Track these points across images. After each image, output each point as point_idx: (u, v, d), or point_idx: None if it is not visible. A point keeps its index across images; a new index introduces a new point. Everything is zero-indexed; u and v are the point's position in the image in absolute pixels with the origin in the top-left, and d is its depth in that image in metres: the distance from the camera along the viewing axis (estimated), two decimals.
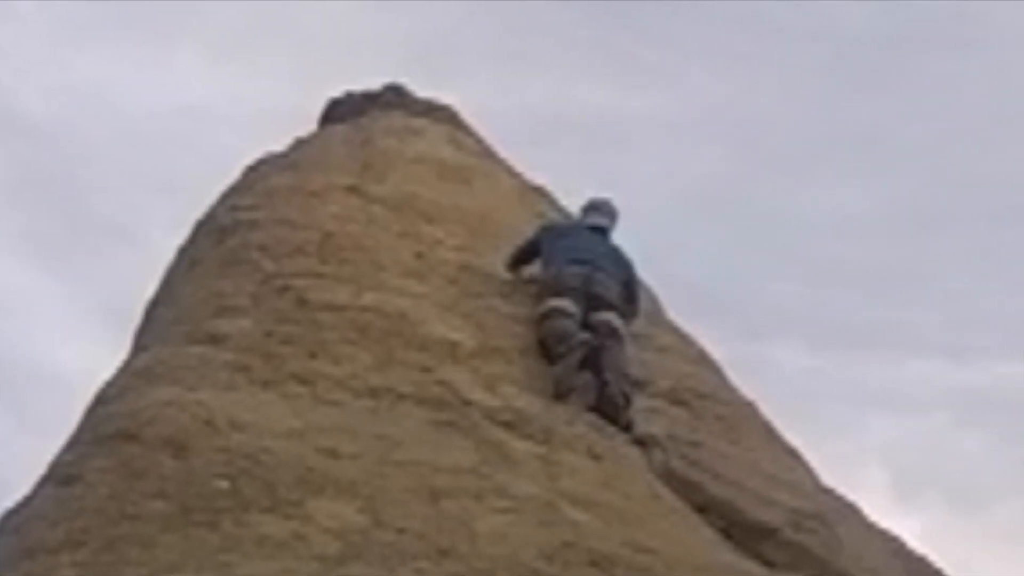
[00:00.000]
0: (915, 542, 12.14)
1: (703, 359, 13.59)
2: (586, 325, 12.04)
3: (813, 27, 52.05)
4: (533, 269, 13.01)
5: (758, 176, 52.16)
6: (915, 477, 45.13)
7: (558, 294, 12.29)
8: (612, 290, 12.58)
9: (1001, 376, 45.36)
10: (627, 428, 11.24)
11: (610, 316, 12.25)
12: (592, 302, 12.25)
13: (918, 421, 46.60)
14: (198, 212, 13.54)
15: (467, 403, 10.43)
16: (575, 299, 12.24)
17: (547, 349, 11.80)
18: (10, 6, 56.69)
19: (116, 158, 57.23)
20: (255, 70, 58.27)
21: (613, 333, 12.13)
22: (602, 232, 13.45)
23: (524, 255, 13.11)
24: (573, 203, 15.04)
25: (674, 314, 14.25)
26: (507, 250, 13.39)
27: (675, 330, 13.98)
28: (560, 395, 11.29)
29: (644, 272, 13.43)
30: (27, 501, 8.84)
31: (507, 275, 13.11)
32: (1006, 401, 45.22)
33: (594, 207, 13.82)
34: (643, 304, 13.29)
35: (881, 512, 12.34)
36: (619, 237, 13.62)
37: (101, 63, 58.63)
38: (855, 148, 51.50)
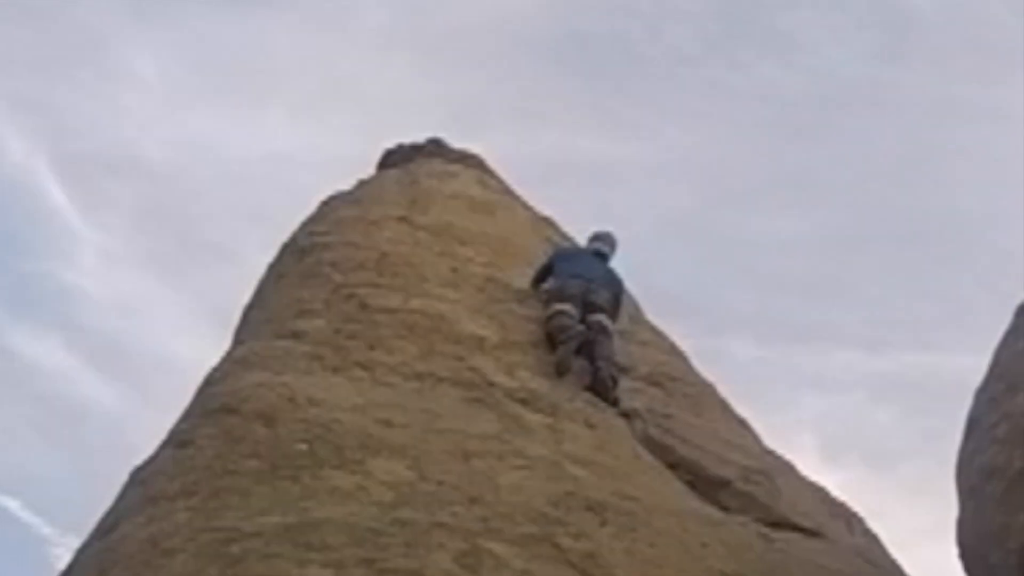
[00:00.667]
0: (837, 492, 12.26)
1: (674, 350, 13.51)
2: (583, 324, 12.05)
3: (758, 91, 52.17)
4: (548, 284, 12.86)
5: (717, 208, 52.48)
6: (838, 442, 45.49)
7: (562, 300, 12.21)
8: (604, 298, 12.55)
9: (906, 363, 45.90)
10: (615, 404, 11.24)
11: (602, 317, 12.27)
12: (588, 307, 12.23)
13: (840, 398, 46.77)
14: (283, 236, 13.58)
15: (491, 384, 10.46)
16: (575, 304, 12.21)
17: (552, 341, 11.77)
18: (136, 74, 56.64)
19: (219, 195, 57.50)
20: (327, 126, 58.07)
21: (604, 330, 12.14)
22: (602, 257, 13.37)
23: (543, 274, 12.98)
24: (573, 230, 15.41)
25: (652, 315, 14.17)
26: (524, 269, 13.24)
27: (652, 328, 13.99)
28: (560, 373, 11.32)
29: (629, 281, 13.31)
30: (151, 460, 8.95)
31: (526, 287, 12.92)
32: (910, 383, 45.59)
33: (598, 237, 13.69)
34: (627, 309, 13.19)
35: (811, 469, 12.39)
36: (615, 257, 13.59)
37: (207, 119, 58.27)
38: (792, 186, 52.03)
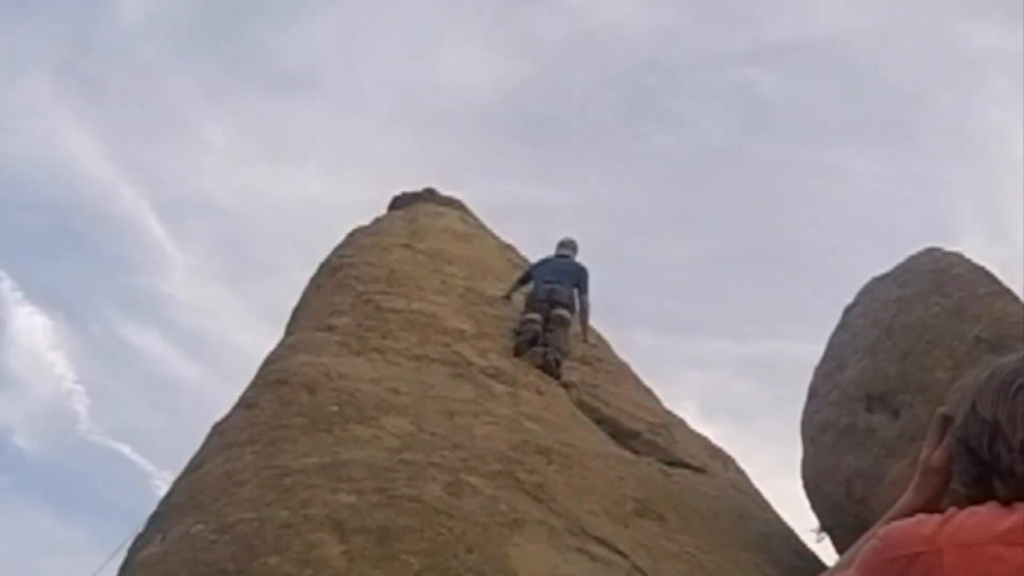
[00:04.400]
0: (715, 440, 12.36)
1: (600, 340, 13.52)
2: (548, 318, 12.05)
3: (655, 154, 53.32)
4: (527, 288, 12.90)
5: (626, 237, 52.92)
6: (712, 405, 46.26)
7: (532, 308, 12.23)
8: (565, 295, 12.47)
9: (761, 349, 46.96)
10: (558, 378, 11.30)
11: (563, 311, 12.27)
12: (553, 304, 12.21)
13: (714, 374, 47.30)
14: (319, 258, 13.61)
15: (469, 364, 10.51)
16: (543, 306, 12.21)
17: (518, 335, 11.81)
18: (209, 141, 56.94)
19: (271, 228, 57.64)
20: (349, 180, 58.26)
21: (561, 322, 12.14)
22: (566, 257, 13.20)
23: (522, 280, 13.04)
24: (527, 252, 15.15)
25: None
26: (493, 282, 13.30)
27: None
28: (516, 355, 11.34)
29: None
30: (226, 418, 8.97)
31: (495, 295, 12.90)
32: (764, 363, 46.55)
33: (563, 244, 13.36)
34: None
35: (695, 424, 12.52)
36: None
37: (261, 174, 58.55)
38: (679, 222, 53.24)
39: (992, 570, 1.61)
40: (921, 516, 1.71)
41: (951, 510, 1.72)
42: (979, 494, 1.77)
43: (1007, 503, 1.69)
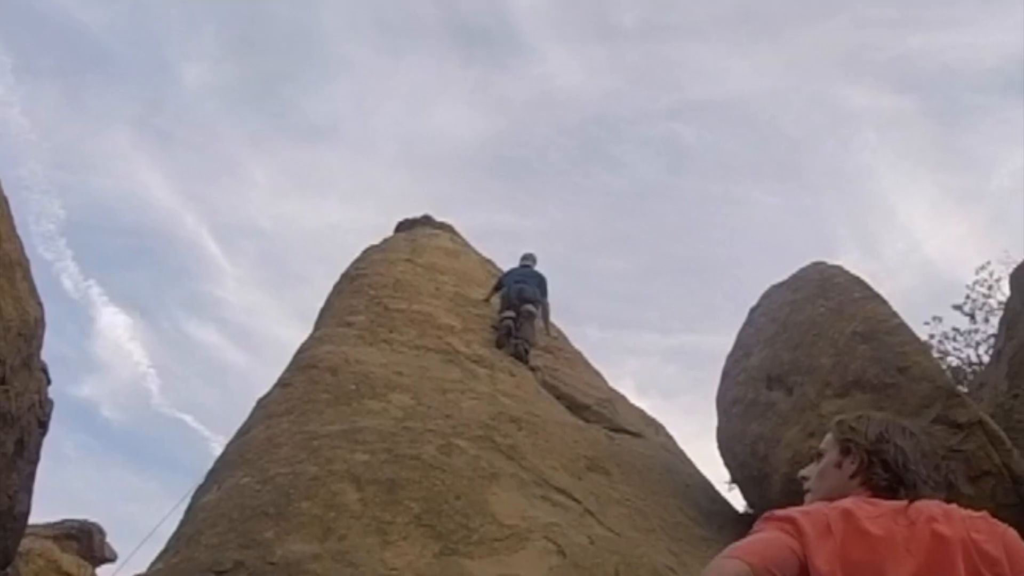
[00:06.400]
0: (648, 412, 12.18)
1: (559, 333, 13.34)
2: (518, 312, 11.93)
3: (600, 189, 55.90)
4: (501, 292, 12.52)
5: (578, 253, 54.14)
6: (646, 384, 47.12)
7: (507, 307, 12.03)
8: (532, 292, 12.33)
9: (684, 341, 48.98)
10: (527, 363, 11.28)
11: (530, 306, 12.17)
12: (523, 300, 12.09)
13: (646, 360, 48.27)
14: (340, 270, 13.33)
15: (457, 352, 10.49)
16: (513, 303, 12.04)
17: (497, 330, 11.68)
18: (254, 179, 57.92)
19: (302, 247, 59.44)
20: (363, 209, 59.14)
21: (530, 316, 12.09)
22: (528, 267, 13.04)
23: (496, 287, 12.72)
24: (502, 264, 14.65)
25: None
26: (476, 288, 13.04)
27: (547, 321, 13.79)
28: (498, 345, 11.30)
29: None
30: (267, 394, 9.02)
31: (479, 298, 12.67)
32: (686, 352, 48.24)
33: (525, 256, 13.21)
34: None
35: (633, 399, 12.45)
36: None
37: (294, 204, 59.45)
38: (619, 242, 55.13)
39: (869, 530, 1.85)
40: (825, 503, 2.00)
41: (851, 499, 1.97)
42: (885, 492, 2.01)
43: (891, 497, 1.98)
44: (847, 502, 1.94)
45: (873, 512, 1.90)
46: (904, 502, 1.96)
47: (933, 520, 1.88)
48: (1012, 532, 1.94)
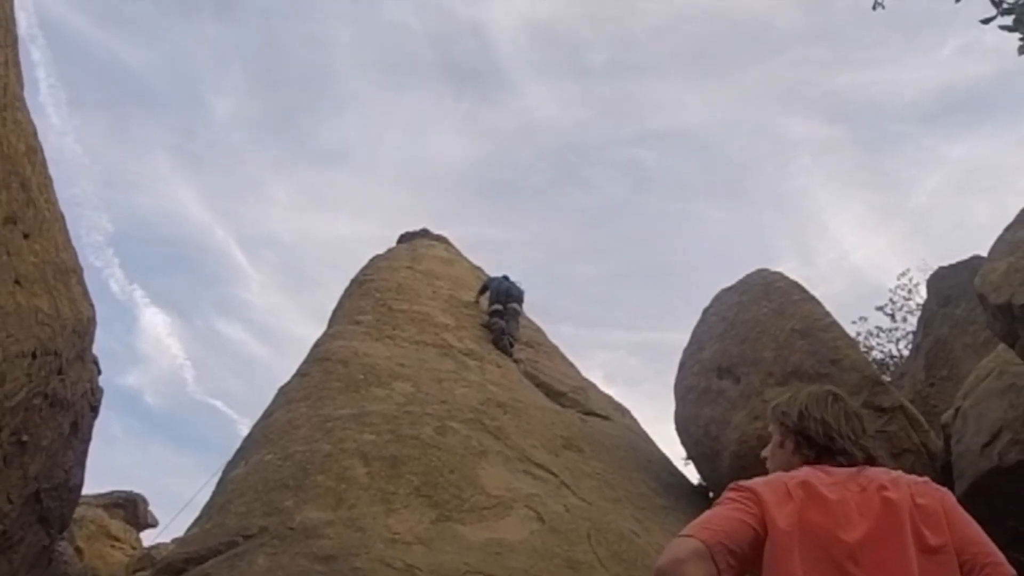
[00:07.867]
0: (615, 398, 12.04)
1: (538, 330, 13.28)
2: (505, 308, 11.88)
3: (575, 206, 57.19)
4: (487, 295, 12.40)
5: (555, 261, 55.24)
6: (614, 374, 47.73)
7: (495, 302, 11.98)
8: (515, 296, 12.25)
9: (646, 336, 49.88)
10: (511, 356, 11.19)
11: (515, 305, 12.11)
12: (508, 300, 12.03)
13: (614, 353, 49.18)
14: (350, 276, 13.22)
15: (451, 346, 10.42)
16: (501, 300, 11.98)
17: (487, 327, 11.57)
18: (274, 198, 58.26)
19: (317, 255, 60.55)
20: (369, 223, 59.70)
21: (515, 315, 12.00)
22: (507, 278, 12.76)
23: (482, 290, 12.58)
24: (490, 271, 14.58)
25: (528, 312, 14.15)
26: (468, 292, 12.82)
27: (527, 319, 13.45)
28: (496, 344, 11.17)
29: None
30: (288, 383, 8.95)
31: (470, 300, 12.51)
32: (648, 346, 48.62)
33: (503, 275, 13.32)
34: (517, 307, 12.32)
35: (602, 386, 12.30)
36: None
37: (310, 218, 59.87)
38: (592, 252, 56.84)
39: (825, 495, 1.86)
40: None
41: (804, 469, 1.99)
42: (828, 460, 2.01)
43: (831, 463, 1.98)
44: (804, 472, 1.95)
45: (827, 480, 1.91)
46: (855, 469, 1.97)
47: (883, 488, 1.89)
48: (948, 493, 1.98)
